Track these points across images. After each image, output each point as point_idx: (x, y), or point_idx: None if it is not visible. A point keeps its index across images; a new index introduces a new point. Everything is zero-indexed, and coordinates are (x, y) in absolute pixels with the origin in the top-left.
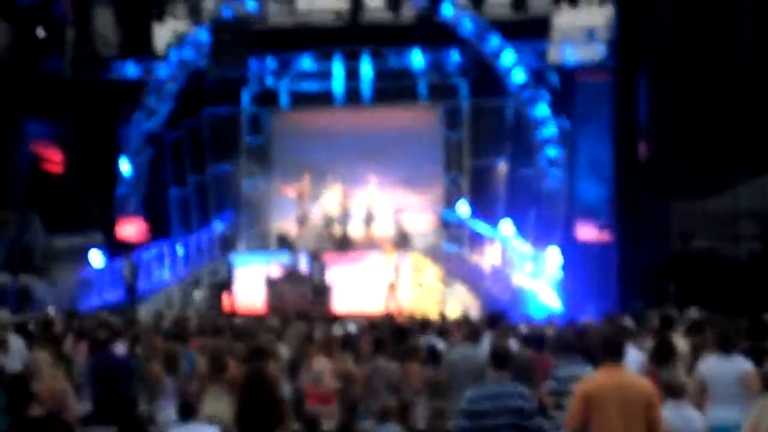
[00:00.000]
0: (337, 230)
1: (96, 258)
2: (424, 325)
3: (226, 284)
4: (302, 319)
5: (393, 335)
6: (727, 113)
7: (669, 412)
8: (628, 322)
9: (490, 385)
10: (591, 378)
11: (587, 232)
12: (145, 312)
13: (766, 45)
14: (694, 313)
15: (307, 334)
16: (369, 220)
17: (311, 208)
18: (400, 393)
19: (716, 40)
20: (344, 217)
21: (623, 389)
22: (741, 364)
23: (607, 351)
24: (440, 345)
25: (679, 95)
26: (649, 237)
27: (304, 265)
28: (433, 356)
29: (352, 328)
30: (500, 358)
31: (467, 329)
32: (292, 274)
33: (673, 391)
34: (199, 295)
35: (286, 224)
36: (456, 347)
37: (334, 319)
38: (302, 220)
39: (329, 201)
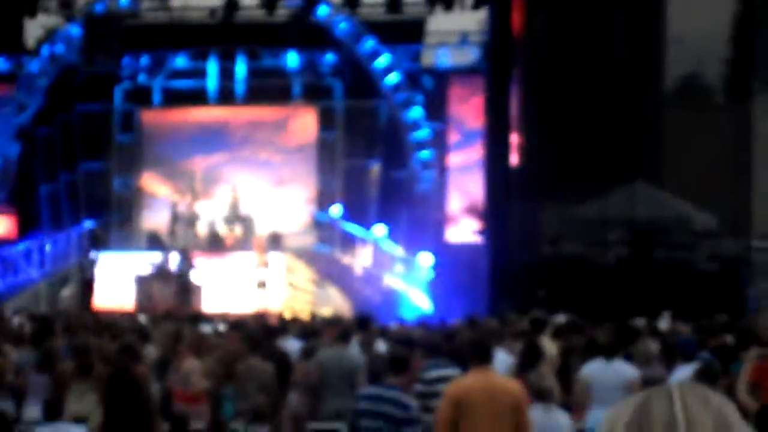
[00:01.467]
0: (207, 229)
1: None
2: (292, 325)
3: (90, 282)
4: (171, 318)
5: (264, 335)
6: (598, 120)
7: (537, 415)
8: (493, 324)
9: (375, 387)
10: (460, 380)
11: (457, 234)
12: (11, 308)
13: (637, 52)
14: (561, 317)
15: (176, 333)
16: (237, 219)
17: (182, 207)
18: (271, 394)
19: (588, 46)
20: (215, 216)
21: (492, 391)
22: (626, 371)
23: (475, 353)
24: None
25: (550, 101)
26: (519, 241)
27: (174, 263)
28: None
29: (221, 327)
30: (396, 363)
31: (337, 330)
32: (161, 272)
33: (541, 394)
34: (66, 292)
35: (157, 223)
36: (327, 347)
37: (202, 318)
38: (175, 219)
39: (199, 200)
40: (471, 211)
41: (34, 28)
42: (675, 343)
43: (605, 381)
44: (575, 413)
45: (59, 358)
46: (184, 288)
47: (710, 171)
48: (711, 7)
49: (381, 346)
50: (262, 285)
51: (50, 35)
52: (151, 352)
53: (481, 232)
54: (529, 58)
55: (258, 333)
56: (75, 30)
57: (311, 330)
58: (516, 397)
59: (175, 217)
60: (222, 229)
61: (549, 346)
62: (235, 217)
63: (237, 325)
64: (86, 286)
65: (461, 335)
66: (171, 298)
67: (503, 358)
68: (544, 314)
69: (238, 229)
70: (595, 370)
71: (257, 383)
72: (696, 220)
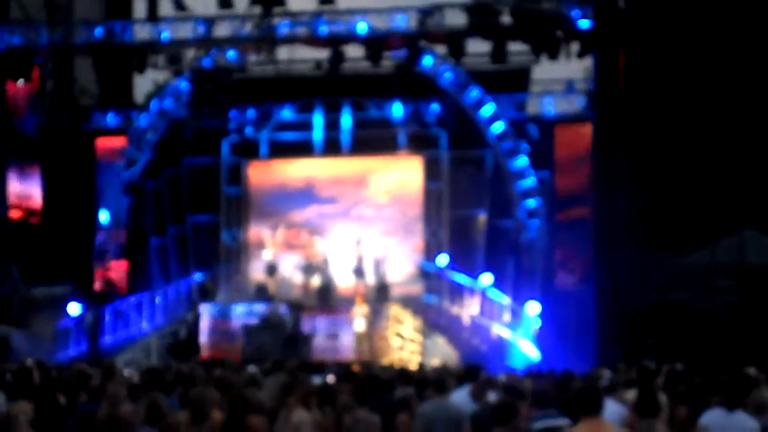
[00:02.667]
0: (316, 281)
1: (73, 308)
2: (402, 376)
3: (197, 333)
4: (279, 368)
5: (373, 386)
6: (706, 166)
7: None
8: (605, 374)
9: None
10: (569, 431)
11: (564, 282)
12: (123, 361)
13: (745, 98)
14: (671, 366)
15: (286, 384)
16: (359, 271)
17: (283, 259)
18: None
19: (695, 92)
20: (325, 268)
21: None
22: (747, 421)
23: (584, 404)
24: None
25: (658, 148)
26: (627, 289)
27: (283, 314)
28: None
29: (330, 378)
30: (501, 413)
31: (434, 381)
32: (269, 323)
33: None
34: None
35: (264, 274)
36: (430, 399)
37: (312, 368)
38: (271, 271)
39: (307, 251)
40: (570, 260)
41: (143, 83)
42: None
43: (726, 431)
44: None
45: (168, 410)
46: (293, 338)
47: None
48: None
49: (492, 396)
50: (364, 336)
51: (159, 90)
52: (262, 401)
53: (588, 281)
54: (635, 105)
55: (367, 384)
56: (183, 84)
57: (421, 380)
58: None
59: (274, 269)
60: (334, 281)
61: (661, 395)
62: (354, 268)
63: (347, 376)
64: (194, 338)
65: (572, 385)
66: (279, 349)
67: (613, 408)
68: (653, 363)
69: (356, 281)
70: (716, 419)
71: None
72: None
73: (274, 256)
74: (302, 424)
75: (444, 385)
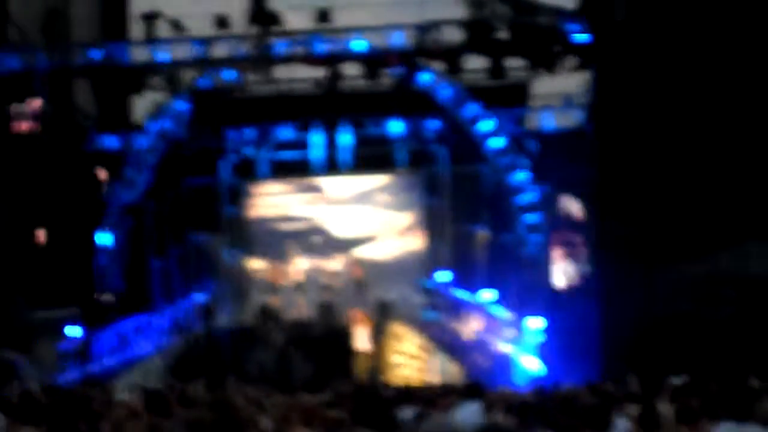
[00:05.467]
0: (319, 299)
1: (74, 331)
2: (405, 394)
3: (200, 354)
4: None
5: (375, 406)
6: (707, 179)
7: None
8: (610, 387)
9: None
10: None
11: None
12: (124, 383)
13: (744, 109)
14: (678, 379)
15: (288, 403)
16: (360, 289)
17: (285, 279)
18: None
19: (694, 104)
20: (326, 287)
21: None
22: None
23: (590, 421)
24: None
25: (658, 160)
26: (631, 301)
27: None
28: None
29: (329, 396)
30: None
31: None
32: (269, 342)
33: None
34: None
35: (265, 294)
36: (431, 416)
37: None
38: (274, 291)
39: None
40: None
41: (141, 105)
42: None
43: None
44: None
45: None
46: (288, 358)
47: None
48: None
49: (495, 414)
50: (368, 354)
51: (157, 111)
52: (265, 422)
53: (591, 293)
54: (634, 118)
55: (368, 403)
56: (181, 105)
57: (425, 399)
58: None
59: (276, 288)
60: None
61: (665, 408)
62: (361, 288)
63: (346, 395)
64: (196, 359)
65: (579, 400)
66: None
67: (620, 423)
68: (657, 376)
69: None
70: None
71: None
72: None
73: (273, 276)
74: None
75: (446, 404)
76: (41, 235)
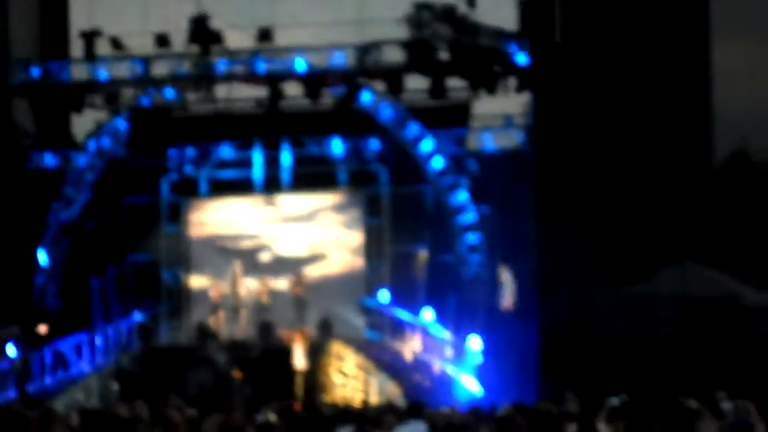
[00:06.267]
0: (257, 318)
1: (12, 350)
2: (344, 414)
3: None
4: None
5: (314, 424)
6: (646, 199)
7: None
8: (548, 407)
9: None
10: None
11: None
12: (62, 403)
13: (683, 130)
14: (616, 399)
15: (222, 423)
16: (300, 309)
17: (225, 298)
18: None
19: (634, 125)
20: (266, 305)
21: None
22: None
23: None
24: None
25: (598, 181)
26: (569, 321)
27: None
28: None
29: (271, 417)
30: None
31: (375, 418)
32: (205, 362)
33: None
34: (116, 386)
35: (206, 313)
36: None
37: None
38: (214, 311)
39: (248, 289)
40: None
41: (83, 123)
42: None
43: None
44: None
45: None
46: (226, 377)
47: (761, 247)
48: (757, 82)
49: None
50: (305, 373)
51: (97, 130)
52: None
53: (531, 313)
54: (573, 139)
55: (308, 423)
56: (121, 124)
57: (364, 418)
58: None
59: (217, 307)
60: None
61: (603, 428)
62: (300, 307)
63: (288, 414)
64: (134, 379)
65: (516, 422)
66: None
67: None
68: (596, 396)
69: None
70: None
71: None
72: (747, 297)
73: (214, 295)
74: None
75: (385, 423)
76: None
